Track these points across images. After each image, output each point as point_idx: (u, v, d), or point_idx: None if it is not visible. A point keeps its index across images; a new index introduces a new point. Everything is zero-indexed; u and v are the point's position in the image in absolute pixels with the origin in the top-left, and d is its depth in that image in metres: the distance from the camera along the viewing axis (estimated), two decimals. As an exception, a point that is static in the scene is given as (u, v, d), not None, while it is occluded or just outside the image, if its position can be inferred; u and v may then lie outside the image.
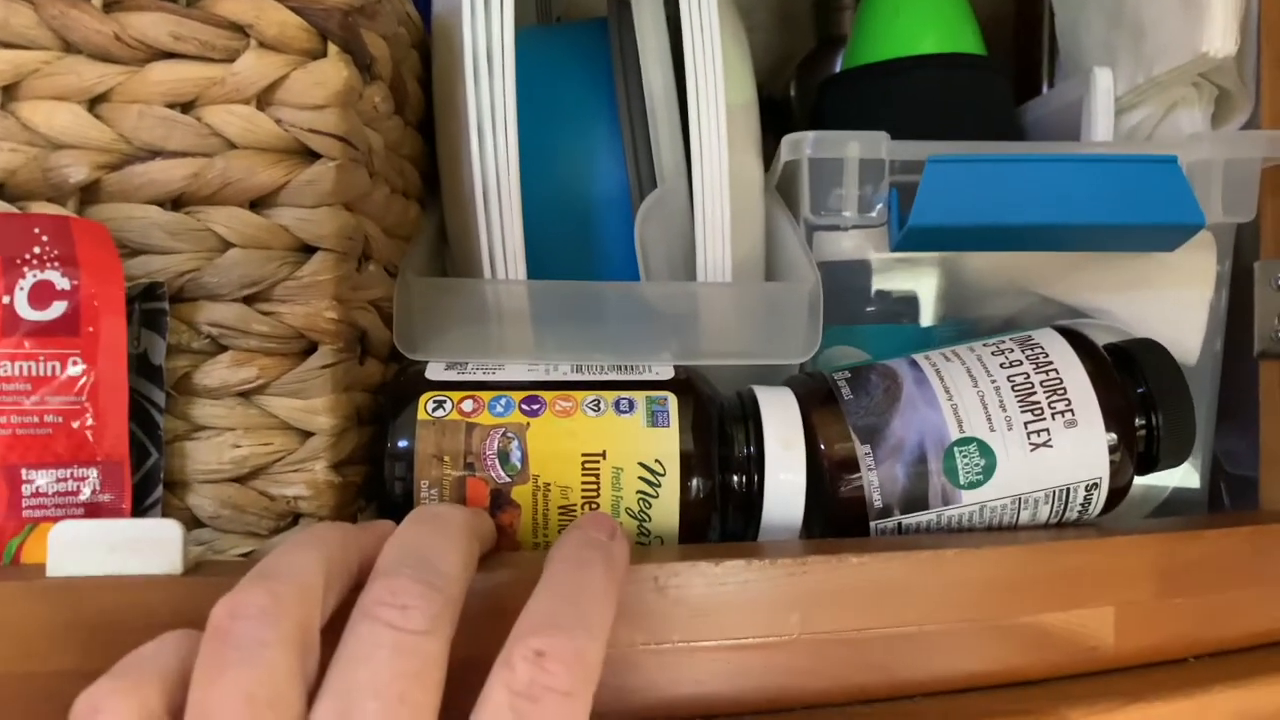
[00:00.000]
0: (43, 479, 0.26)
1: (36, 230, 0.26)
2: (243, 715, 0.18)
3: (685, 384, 0.32)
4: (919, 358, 0.33)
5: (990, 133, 0.43)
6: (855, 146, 0.36)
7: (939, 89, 0.45)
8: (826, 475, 0.31)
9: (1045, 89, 0.59)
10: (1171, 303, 0.39)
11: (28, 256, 0.26)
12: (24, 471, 0.26)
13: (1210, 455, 0.41)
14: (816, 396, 0.32)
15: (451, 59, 0.36)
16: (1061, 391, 0.31)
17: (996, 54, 0.47)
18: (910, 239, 0.35)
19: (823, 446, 0.31)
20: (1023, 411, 0.31)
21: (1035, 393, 0.31)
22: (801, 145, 0.36)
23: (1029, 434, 0.31)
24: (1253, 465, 0.38)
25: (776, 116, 0.63)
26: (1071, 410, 0.31)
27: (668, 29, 0.37)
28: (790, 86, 0.63)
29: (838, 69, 0.59)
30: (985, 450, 0.31)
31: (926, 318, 0.40)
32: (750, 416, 0.32)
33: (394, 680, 0.19)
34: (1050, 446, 0.31)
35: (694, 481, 0.30)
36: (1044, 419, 0.31)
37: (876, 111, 0.45)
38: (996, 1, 0.64)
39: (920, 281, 0.39)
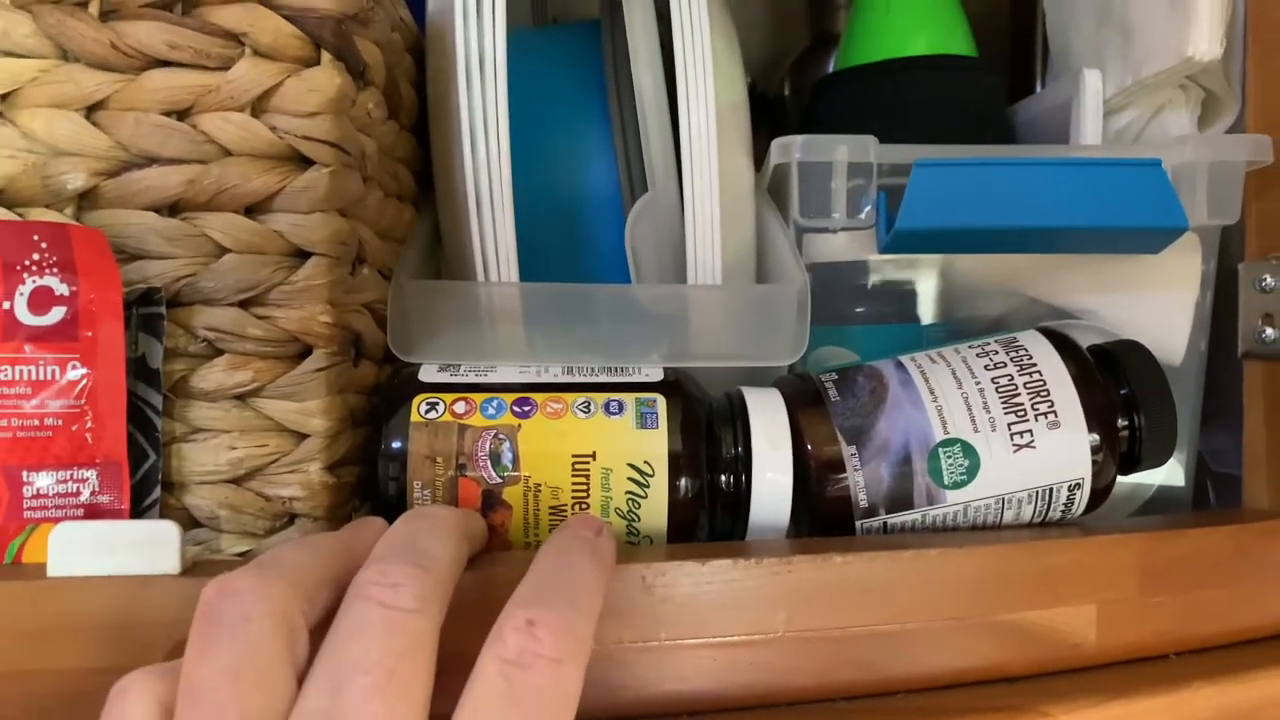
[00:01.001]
0: (43, 480, 0.27)
1: (36, 237, 0.27)
2: (229, 693, 0.19)
3: (674, 385, 0.32)
4: (905, 359, 0.33)
5: (981, 134, 0.44)
6: (844, 150, 0.36)
7: (930, 90, 0.45)
8: (813, 475, 0.31)
9: (1039, 88, 0.59)
10: (1157, 304, 0.39)
11: (27, 263, 0.27)
12: (25, 473, 0.27)
13: (1195, 454, 0.41)
14: (804, 397, 0.33)
15: (444, 62, 0.36)
16: (1045, 393, 0.31)
17: (991, 53, 0.48)
18: (898, 241, 0.35)
19: (809, 447, 0.32)
20: (1006, 413, 0.31)
21: (1019, 394, 0.32)
22: (790, 149, 0.37)
23: (1012, 435, 0.31)
24: (1237, 464, 0.39)
25: (770, 115, 0.64)
26: (1054, 411, 0.31)
27: (659, 29, 0.37)
28: (784, 84, 0.64)
29: (832, 67, 0.59)
30: (969, 451, 0.31)
31: (915, 318, 0.40)
32: (738, 417, 0.32)
33: (384, 656, 0.19)
34: (1033, 447, 0.31)
35: (682, 482, 0.30)
36: (1027, 420, 0.31)
37: (869, 113, 0.45)
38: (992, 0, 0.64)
39: (908, 283, 0.40)
